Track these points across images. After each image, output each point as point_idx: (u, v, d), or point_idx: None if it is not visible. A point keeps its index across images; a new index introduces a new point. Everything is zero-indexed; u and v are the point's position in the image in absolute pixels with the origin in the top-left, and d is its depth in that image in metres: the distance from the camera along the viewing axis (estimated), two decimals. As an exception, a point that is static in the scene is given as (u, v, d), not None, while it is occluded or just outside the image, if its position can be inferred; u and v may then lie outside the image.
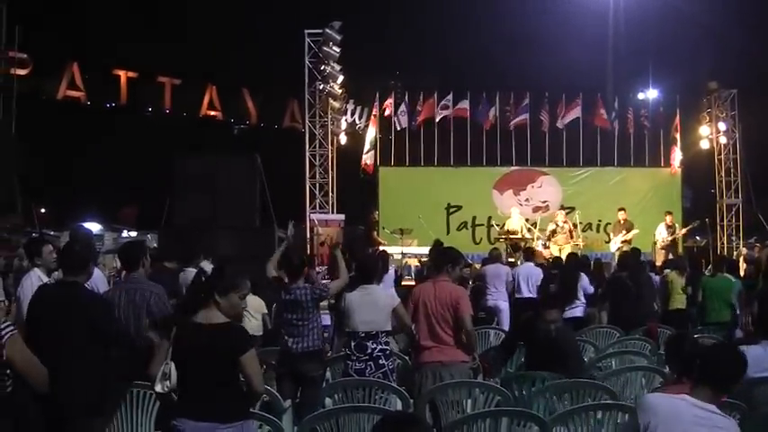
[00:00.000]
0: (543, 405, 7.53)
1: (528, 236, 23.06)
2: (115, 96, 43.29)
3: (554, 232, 22.98)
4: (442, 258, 9.45)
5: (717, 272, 14.89)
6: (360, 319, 9.10)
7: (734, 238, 27.76)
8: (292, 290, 9.22)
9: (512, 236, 22.95)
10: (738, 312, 14.48)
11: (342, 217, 25.10)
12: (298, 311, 9.13)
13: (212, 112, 45.08)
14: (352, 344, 9.14)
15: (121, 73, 43.18)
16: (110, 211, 37.71)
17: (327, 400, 8.12)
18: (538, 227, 23.91)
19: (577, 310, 14.55)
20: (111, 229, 34.39)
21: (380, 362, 9.00)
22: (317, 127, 26.12)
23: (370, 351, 9.06)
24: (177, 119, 43.80)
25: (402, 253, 20.89)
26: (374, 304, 9.17)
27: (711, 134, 28.28)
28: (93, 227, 27.29)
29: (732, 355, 5.40)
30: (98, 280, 8.81)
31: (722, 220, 28.23)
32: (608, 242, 24.41)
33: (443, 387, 8.13)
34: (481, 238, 26.81)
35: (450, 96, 27.92)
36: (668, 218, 23.80)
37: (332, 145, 26.51)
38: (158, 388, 5.87)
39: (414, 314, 9.03)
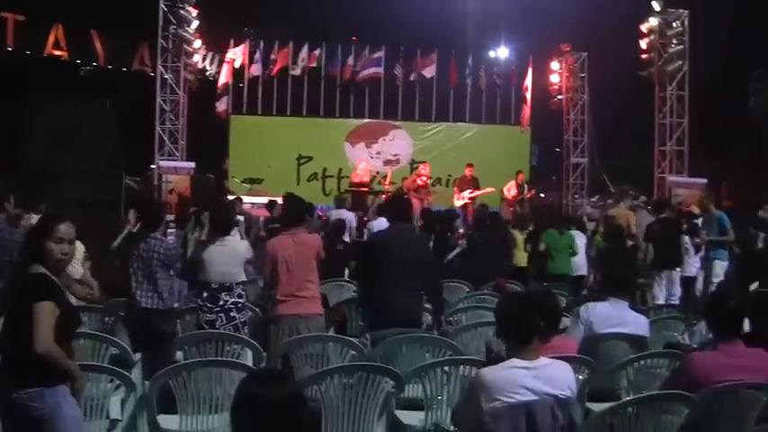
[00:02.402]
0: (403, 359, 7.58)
1: (377, 189, 23.16)
2: (-48, 30, 41.25)
3: (422, 185, 22.96)
4: (299, 210, 9.48)
5: (563, 228, 15.43)
6: (215, 270, 8.97)
7: (578, 196, 28.48)
8: (150, 240, 8.65)
9: (361, 188, 22.90)
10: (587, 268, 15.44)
11: (192, 165, 24.54)
12: (153, 264, 8.56)
13: (57, 52, 43.48)
14: (205, 294, 9.00)
15: (-41, 6, 41.15)
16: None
17: (178, 354, 7.88)
18: (389, 180, 24.00)
19: None
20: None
21: (231, 314, 8.92)
22: (169, 72, 25.51)
23: (222, 303, 8.96)
24: (20, 57, 42.08)
25: (252, 203, 20.59)
26: (230, 255, 9.11)
27: (561, 94, 28.93)
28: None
29: (512, 306, 5.30)
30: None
31: (568, 178, 28.91)
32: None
33: (299, 340, 8.06)
34: (331, 190, 26.78)
35: (305, 47, 27.59)
36: (519, 176, 24.23)
37: (183, 91, 25.94)
38: None
39: (271, 268, 8.88)
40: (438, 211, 18.91)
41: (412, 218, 10.16)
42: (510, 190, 24.03)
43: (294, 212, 9.46)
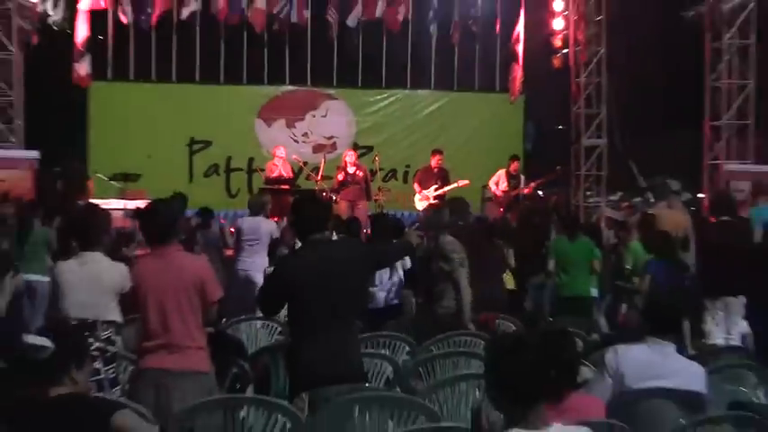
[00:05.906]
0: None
1: (307, 186, 21.36)
2: None
3: (342, 183, 20.84)
4: (165, 218, 7.80)
5: (572, 234, 14.11)
6: (73, 300, 7.85)
7: (592, 192, 25.84)
8: None
9: (281, 186, 20.76)
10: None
11: (35, 154, 21.04)
12: None
13: None
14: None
15: None
16: None
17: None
18: (321, 173, 21.60)
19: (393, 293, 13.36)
20: None
21: (94, 366, 7.62)
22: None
23: (81, 349, 6.69)
24: None
25: (125, 208, 17.91)
26: (96, 280, 7.92)
27: (568, 47, 25.89)
28: None
29: (508, 353, 4.44)
30: None
31: (579, 168, 26.16)
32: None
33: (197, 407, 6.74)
34: (239, 189, 24.18)
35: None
36: (513, 165, 22.09)
37: (18, 48, 22.08)
38: None
39: (135, 301, 7.76)
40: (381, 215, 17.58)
41: (328, 226, 8.46)
42: (499, 183, 21.79)
43: (156, 222, 7.90)
